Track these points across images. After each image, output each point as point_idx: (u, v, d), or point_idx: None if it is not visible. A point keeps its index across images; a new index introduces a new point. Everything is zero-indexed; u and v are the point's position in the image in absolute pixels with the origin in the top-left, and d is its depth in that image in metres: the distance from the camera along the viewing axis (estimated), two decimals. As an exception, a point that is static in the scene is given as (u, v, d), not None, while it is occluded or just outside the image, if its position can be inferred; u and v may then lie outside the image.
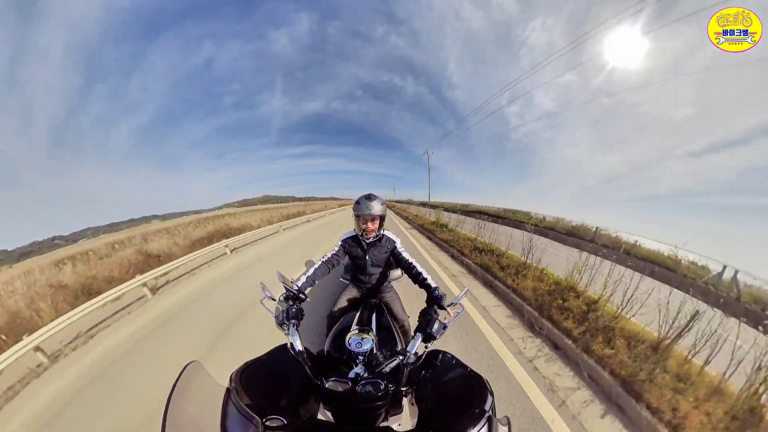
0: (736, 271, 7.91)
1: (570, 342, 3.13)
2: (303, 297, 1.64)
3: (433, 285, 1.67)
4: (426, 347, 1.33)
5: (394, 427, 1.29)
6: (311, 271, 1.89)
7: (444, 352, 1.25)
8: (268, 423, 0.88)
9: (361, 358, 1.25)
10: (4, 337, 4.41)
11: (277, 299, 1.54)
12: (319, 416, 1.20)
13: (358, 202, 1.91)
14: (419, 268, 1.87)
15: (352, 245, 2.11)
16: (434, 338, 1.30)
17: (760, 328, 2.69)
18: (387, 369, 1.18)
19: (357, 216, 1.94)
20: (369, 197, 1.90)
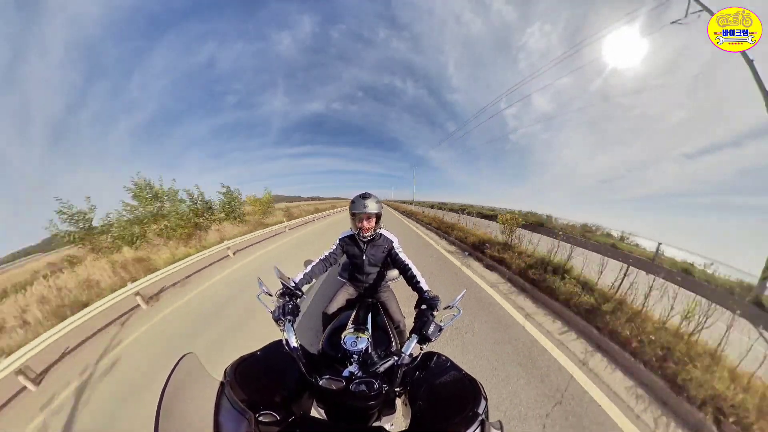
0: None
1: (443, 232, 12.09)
2: (299, 294, 1.62)
3: (426, 288, 1.64)
4: (421, 348, 1.32)
5: (387, 427, 1.29)
6: (309, 268, 1.89)
7: (439, 355, 1.24)
8: (260, 418, 0.88)
9: (355, 357, 1.24)
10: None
11: (273, 294, 1.52)
12: (312, 413, 1.20)
13: (353, 201, 1.93)
14: (414, 271, 1.83)
15: (350, 244, 2.12)
16: (429, 340, 1.29)
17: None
18: (381, 369, 1.16)
19: (353, 215, 1.96)
20: (364, 196, 1.92)
